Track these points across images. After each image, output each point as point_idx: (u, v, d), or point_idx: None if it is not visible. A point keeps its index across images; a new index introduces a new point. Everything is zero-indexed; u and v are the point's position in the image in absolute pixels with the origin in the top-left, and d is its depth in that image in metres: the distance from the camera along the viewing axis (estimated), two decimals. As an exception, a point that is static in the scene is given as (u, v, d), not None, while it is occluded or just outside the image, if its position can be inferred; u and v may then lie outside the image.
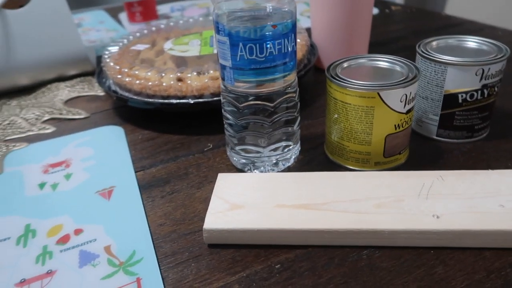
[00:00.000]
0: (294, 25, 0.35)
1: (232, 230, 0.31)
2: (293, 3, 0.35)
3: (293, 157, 0.40)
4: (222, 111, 0.39)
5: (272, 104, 0.36)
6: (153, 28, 0.67)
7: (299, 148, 0.41)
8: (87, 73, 0.66)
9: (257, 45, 0.33)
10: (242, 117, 0.37)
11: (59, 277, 0.29)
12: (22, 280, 0.29)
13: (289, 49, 0.35)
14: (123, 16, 1.00)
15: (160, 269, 0.30)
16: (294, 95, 0.38)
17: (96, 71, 0.58)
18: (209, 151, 0.44)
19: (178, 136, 0.48)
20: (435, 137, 0.43)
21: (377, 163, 0.38)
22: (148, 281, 0.29)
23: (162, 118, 0.51)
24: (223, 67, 0.36)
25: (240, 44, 0.33)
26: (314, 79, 0.60)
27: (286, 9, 0.34)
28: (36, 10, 0.58)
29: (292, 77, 0.37)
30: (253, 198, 0.33)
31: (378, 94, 0.35)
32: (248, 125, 0.37)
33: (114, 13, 1.05)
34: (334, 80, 0.37)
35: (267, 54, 0.34)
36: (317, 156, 0.42)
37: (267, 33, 0.33)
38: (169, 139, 0.47)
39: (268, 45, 0.33)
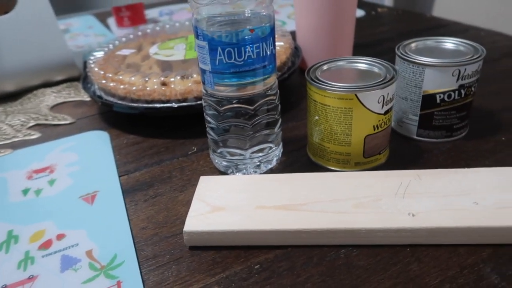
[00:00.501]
0: (272, 29, 0.35)
1: (212, 232, 0.31)
2: (271, 7, 0.35)
3: (275, 159, 0.41)
4: (204, 114, 0.39)
5: (252, 107, 0.36)
6: (139, 33, 0.67)
7: (282, 150, 0.42)
8: (73, 79, 0.67)
9: (236, 49, 0.34)
10: (223, 120, 0.37)
11: (41, 282, 0.30)
12: (4, 286, 0.30)
13: (268, 52, 0.35)
14: (112, 21, 1.01)
15: (141, 272, 0.30)
16: (275, 97, 0.38)
17: (81, 77, 0.58)
18: (193, 154, 0.45)
19: (163, 140, 0.48)
20: (415, 137, 0.44)
21: (357, 164, 0.39)
22: (128, 284, 0.29)
23: (148, 122, 0.51)
24: (203, 71, 0.36)
25: (219, 49, 0.34)
26: (299, 81, 0.61)
27: (264, 13, 0.35)
28: (21, 16, 0.59)
29: (272, 80, 0.37)
30: (234, 200, 0.34)
31: (356, 95, 0.35)
32: (229, 128, 0.37)
33: (102, 18, 1.05)
34: (313, 83, 0.37)
35: (246, 58, 0.34)
36: (299, 158, 0.42)
37: (245, 37, 0.34)
38: (154, 143, 0.47)
39: (247, 49, 0.34)
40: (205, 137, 0.47)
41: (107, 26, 0.98)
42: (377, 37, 0.78)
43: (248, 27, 0.34)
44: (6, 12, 0.58)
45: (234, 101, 0.36)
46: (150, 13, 1.05)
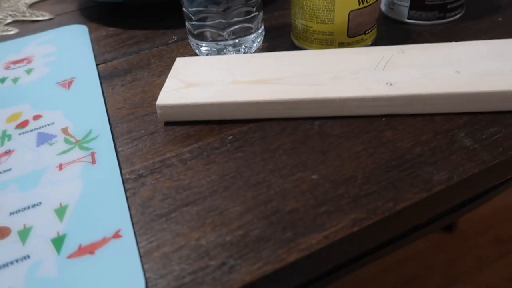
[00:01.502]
0: None
1: (185, 105, 0.31)
2: None
3: (256, 42, 0.39)
4: (179, -6, 0.37)
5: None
6: None
7: (263, 34, 0.40)
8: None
9: None
10: (198, -3, 0.35)
11: (17, 155, 0.30)
12: (-19, 159, 0.30)
13: None
14: None
15: (115, 144, 0.30)
16: (253, -29, 0.36)
17: (57, -30, 0.55)
18: (173, 43, 0.43)
19: (143, 31, 0.46)
20: (406, 20, 0.41)
21: (341, 44, 0.37)
22: (102, 155, 0.29)
23: (127, 14, 0.49)
24: None
25: None
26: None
27: None
28: None
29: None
30: (209, 77, 0.33)
31: (339, -36, 0.33)
32: (205, 6, 0.35)
33: None
34: (294, -48, 0.34)
35: None
36: (283, 43, 0.41)
37: None
38: (133, 34, 0.46)
39: None
40: (184, 26, 0.45)
41: None
42: None
43: None
44: None
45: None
46: None
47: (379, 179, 0.25)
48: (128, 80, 0.38)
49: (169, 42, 0.43)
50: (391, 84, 0.30)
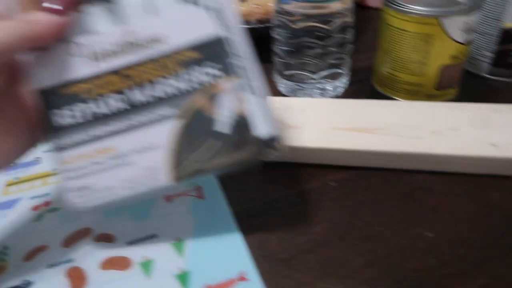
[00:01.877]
0: None
1: (290, 148, 0.31)
2: None
3: (342, 86, 0.40)
4: (274, 35, 0.38)
5: (328, 26, 0.35)
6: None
7: (349, 79, 0.41)
8: None
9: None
10: (296, 40, 0.36)
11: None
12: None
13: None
14: None
15: (218, 179, 0.31)
16: (350, 20, 0.37)
17: None
18: (254, 78, 0.44)
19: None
20: (486, 75, 0.42)
21: (427, 96, 0.38)
22: (208, 190, 0.30)
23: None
24: (281, -14, 0.35)
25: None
26: (356, 17, 0.58)
27: None
28: None
29: None
30: (307, 120, 0.33)
31: (439, 20, 0.34)
32: (300, 49, 0.36)
33: None
34: (393, 6, 0.36)
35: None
36: (364, 88, 0.41)
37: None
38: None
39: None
40: (268, 62, 0.46)
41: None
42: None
43: None
44: None
45: (309, 19, 0.35)
46: None
47: (496, 244, 0.25)
48: (216, 113, 0.39)
49: (250, 76, 0.44)
50: (495, 145, 0.30)
